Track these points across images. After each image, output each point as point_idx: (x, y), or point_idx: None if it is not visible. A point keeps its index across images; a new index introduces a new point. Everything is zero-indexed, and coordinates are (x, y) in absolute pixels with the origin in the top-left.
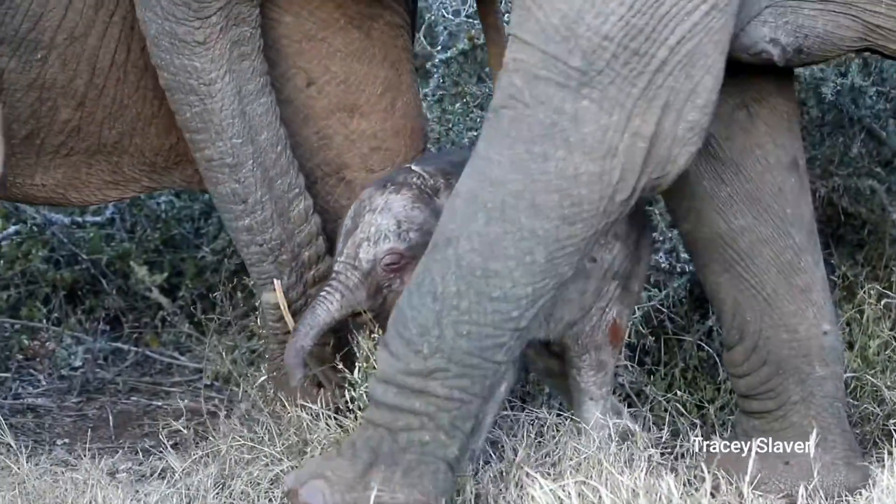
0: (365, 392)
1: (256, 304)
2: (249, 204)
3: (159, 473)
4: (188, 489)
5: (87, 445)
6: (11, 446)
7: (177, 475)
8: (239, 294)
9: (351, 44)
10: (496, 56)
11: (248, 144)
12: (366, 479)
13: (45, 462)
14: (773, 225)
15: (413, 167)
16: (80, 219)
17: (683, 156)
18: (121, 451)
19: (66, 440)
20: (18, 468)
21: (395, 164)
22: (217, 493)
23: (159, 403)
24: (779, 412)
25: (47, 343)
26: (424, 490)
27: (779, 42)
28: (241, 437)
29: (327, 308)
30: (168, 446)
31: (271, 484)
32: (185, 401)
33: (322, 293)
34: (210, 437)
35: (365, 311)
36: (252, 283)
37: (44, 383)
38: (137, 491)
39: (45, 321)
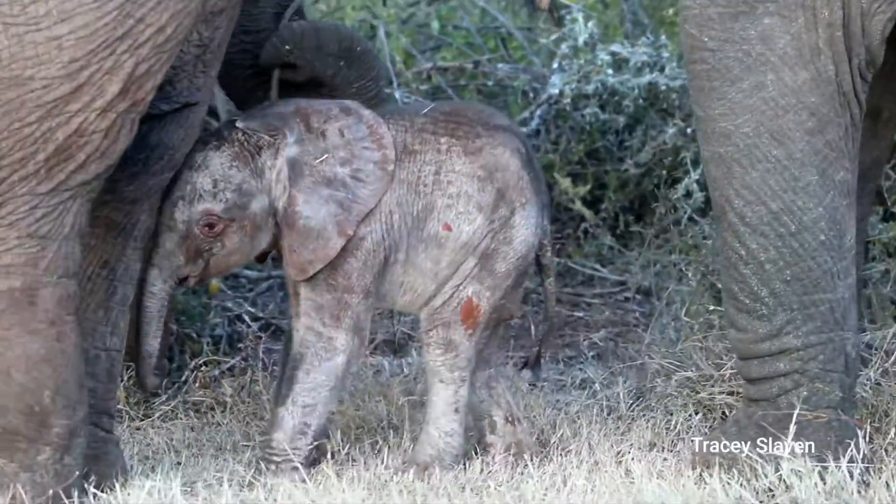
0: None
1: (681, 217)
2: None
3: (579, 384)
4: (608, 400)
5: (510, 353)
6: None
7: (596, 386)
8: (661, 210)
9: None
10: None
11: None
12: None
13: None
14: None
15: (238, 122)
16: None
17: (877, 25)
18: (542, 361)
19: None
20: None
21: None
22: (633, 405)
23: (580, 315)
24: None
25: None
26: (823, 444)
27: None
28: (660, 352)
29: (150, 291)
30: (588, 357)
31: (688, 399)
32: (607, 313)
33: (144, 273)
34: (630, 350)
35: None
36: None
37: None
38: (558, 400)
39: None
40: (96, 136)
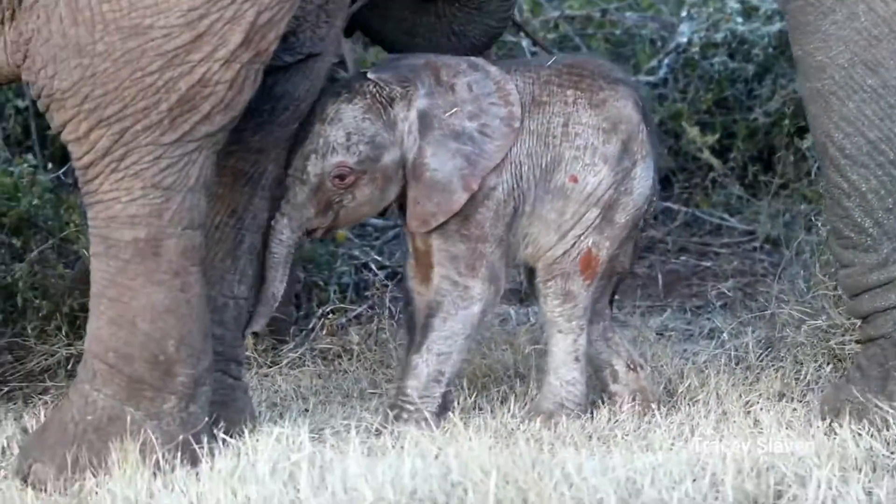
0: None
1: (810, 166)
2: None
3: (707, 333)
4: (735, 350)
5: (637, 303)
6: None
7: (724, 335)
8: (790, 159)
9: None
10: None
11: None
12: (888, 390)
13: None
14: None
15: (369, 74)
16: (633, 78)
17: None
18: (669, 310)
19: (616, 297)
20: None
21: None
22: (762, 355)
23: (708, 264)
24: None
25: None
26: None
27: None
28: (789, 301)
29: (279, 239)
30: (716, 307)
31: (818, 348)
32: (735, 262)
33: (273, 220)
34: (759, 300)
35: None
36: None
37: None
38: (685, 350)
39: None
40: (220, 87)
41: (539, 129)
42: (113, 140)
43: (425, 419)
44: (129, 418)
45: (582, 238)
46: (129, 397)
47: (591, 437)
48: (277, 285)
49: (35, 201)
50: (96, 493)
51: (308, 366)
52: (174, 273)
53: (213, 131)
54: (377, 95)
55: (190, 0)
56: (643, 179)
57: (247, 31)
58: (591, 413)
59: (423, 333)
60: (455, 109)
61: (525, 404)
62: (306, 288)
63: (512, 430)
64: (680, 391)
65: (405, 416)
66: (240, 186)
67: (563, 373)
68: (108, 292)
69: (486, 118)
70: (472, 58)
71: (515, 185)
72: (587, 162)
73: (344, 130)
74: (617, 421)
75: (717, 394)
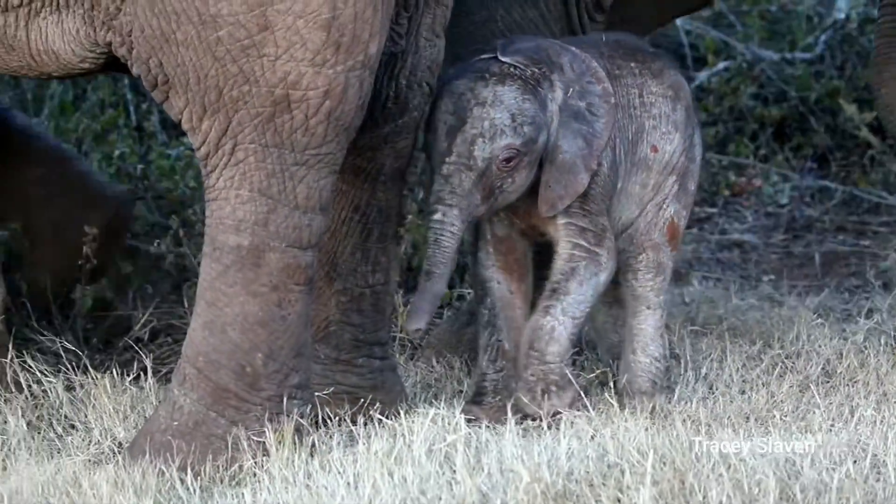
0: None
1: None
2: None
3: (866, 313)
4: (895, 330)
5: (793, 283)
6: (720, 280)
7: (883, 315)
8: None
9: None
10: None
11: None
12: None
13: (750, 297)
14: None
15: (501, 57)
16: (789, 55)
17: None
18: (826, 290)
19: (772, 276)
20: (725, 303)
21: None
22: None
23: (866, 243)
24: None
25: (754, 179)
26: None
27: None
28: None
29: (450, 232)
30: (876, 286)
31: None
32: (894, 241)
33: (436, 214)
34: None
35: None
36: None
37: (750, 220)
38: (844, 329)
39: (752, 157)
40: (312, 94)
41: (622, 101)
42: (220, 131)
43: (575, 391)
44: (213, 424)
45: (664, 207)
46: (214, 403)
47: (748, 418)
48: (443, 284)
49: (192, 183)
50: (254, 473)
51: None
52: (272, 287)
53: (317, 145)
54: (524, 77)
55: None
56: (699, 146)
57: (326, 28)
58: (749, 394)
59: (554, 297)
60: (571, 89)
61: (683, 386)
62: (458, 270)
63: (668, 411)
64: (839, 372)
65: (554, 388)
66: (360, 182)
67: (652, 349)
68: (206, 295)
69: (590, 97)
70: (553, 40)
71: (614, 160)
72: (663, 130)
73: (508, 112)
74: (775, 402)
75: (878, 374)
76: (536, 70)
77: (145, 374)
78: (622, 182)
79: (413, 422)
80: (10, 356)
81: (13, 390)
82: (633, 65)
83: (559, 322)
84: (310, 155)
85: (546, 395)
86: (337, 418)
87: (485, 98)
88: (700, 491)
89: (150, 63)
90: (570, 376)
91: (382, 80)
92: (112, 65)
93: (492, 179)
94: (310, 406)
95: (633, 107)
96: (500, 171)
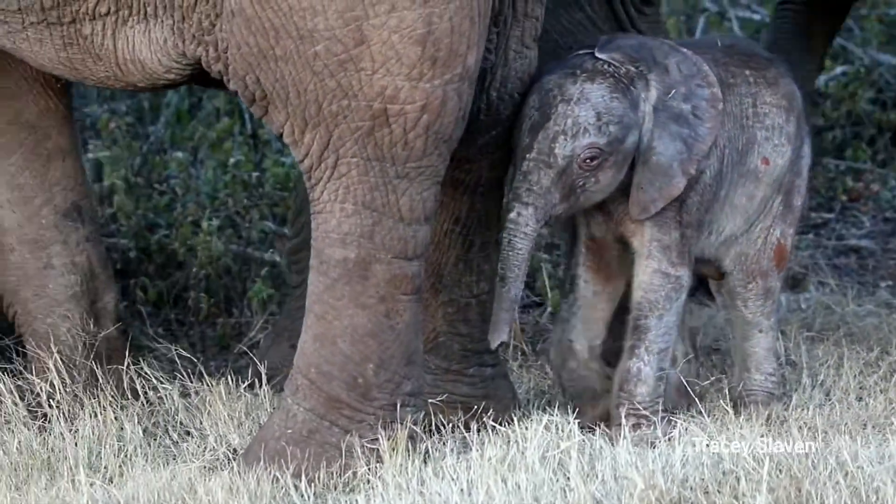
0: None
1: None
2: None
3: None
4: None
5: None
6: (835, 288)
7: None
8: None
9: None
10: None
11: None
12: None
13: (868, 303)
14: None
15: (598, 53)
16: None
17: None
18: None
19: (890, 282)
20: (842, 309)
21: None
22: None
23: None
24: None
25: (871, 184)
26: None
27: None
28: None
29: (524, 232)
30: None
31: None
32: None
33: (511, 213)
34: None
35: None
36: None
37: (867, 225)
38: None
39: (869, 162)
40: (410, 108)
41: (734, 110)
42: (322, 145)
43: (665, 424)
44: (327, 432)
45: (771, 230)
46: (327, 413)
47: (865, 425)
48: (518, 287)
49: None
50: (368, 480)
51: None
52: (380, 298)
53: (417, 158)
54: (616, 75)
55: (344, 1)
56: (808, 158)
57: (422, 43)
58: (867, 401)
59: (636, 336)
60: (673, 91)
61: (799, 391)
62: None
63: (784, 418)
64: None
65: (644, 426)
66: (459, 194)
67: (766, 367)
68: (316, 308)
69: (696, 100)
70: (664, 39)
71: (719, 170)
72: (776, 143)
73: (594, 110)
74: (893, 409)
75: None
76: (632, 68)
77: (260, 380)
78: (726, 191)
79: (526, 428)
80: (126, 363)
81: (129, 397)
82: (747, 72)
83: (644, 363)
84: (411, 168)
85: (636, 430)
86: (450, 425)
87: (571, 95)
88: (817, 498)
89: (247, 80)
90: (660, 410)
91: (474, 94)
92: (198, 77)
93: (573, 178)
94: (423, 413)
95: (746, 117)
96: (581, 169)
